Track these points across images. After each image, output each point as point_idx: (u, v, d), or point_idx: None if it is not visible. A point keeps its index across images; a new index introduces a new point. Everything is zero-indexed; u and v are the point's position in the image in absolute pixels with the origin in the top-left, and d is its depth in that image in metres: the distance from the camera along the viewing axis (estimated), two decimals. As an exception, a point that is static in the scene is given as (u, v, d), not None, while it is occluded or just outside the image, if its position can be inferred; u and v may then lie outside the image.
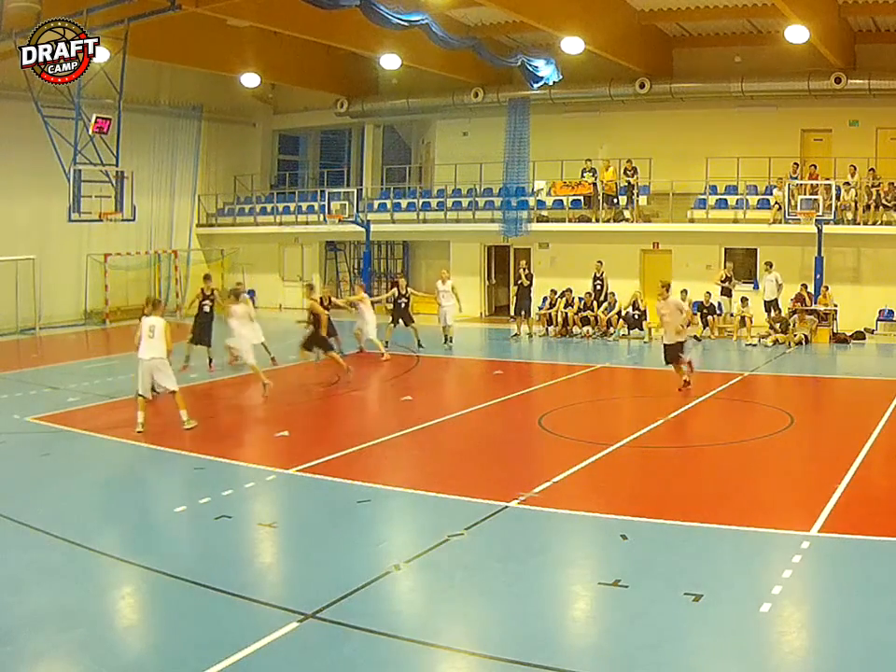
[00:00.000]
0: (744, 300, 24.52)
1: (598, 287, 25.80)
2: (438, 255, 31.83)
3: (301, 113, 36.02)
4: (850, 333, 23.89)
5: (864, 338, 23.99)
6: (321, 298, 20.47)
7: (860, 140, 26.53)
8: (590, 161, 28.58)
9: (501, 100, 30.31)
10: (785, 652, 6.62)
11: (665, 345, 16.96)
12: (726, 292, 25.01)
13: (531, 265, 28.24)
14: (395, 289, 23.57)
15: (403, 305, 23.02)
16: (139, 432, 13.41)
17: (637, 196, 27.86)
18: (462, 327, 27.83)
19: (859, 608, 7.24)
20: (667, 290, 16.95)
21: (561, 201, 29.34)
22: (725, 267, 25.59)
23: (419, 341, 22.73)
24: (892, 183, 24.81)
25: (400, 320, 22.88)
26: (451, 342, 23.27)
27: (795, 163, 26.34)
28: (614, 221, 28.07)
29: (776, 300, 24.50)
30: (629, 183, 27.72)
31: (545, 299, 26.69)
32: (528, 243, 29.59)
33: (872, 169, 25.56)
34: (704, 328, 24.56)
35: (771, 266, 24.70)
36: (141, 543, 9.14)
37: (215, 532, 9.40)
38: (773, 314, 24.15)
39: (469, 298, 30.75)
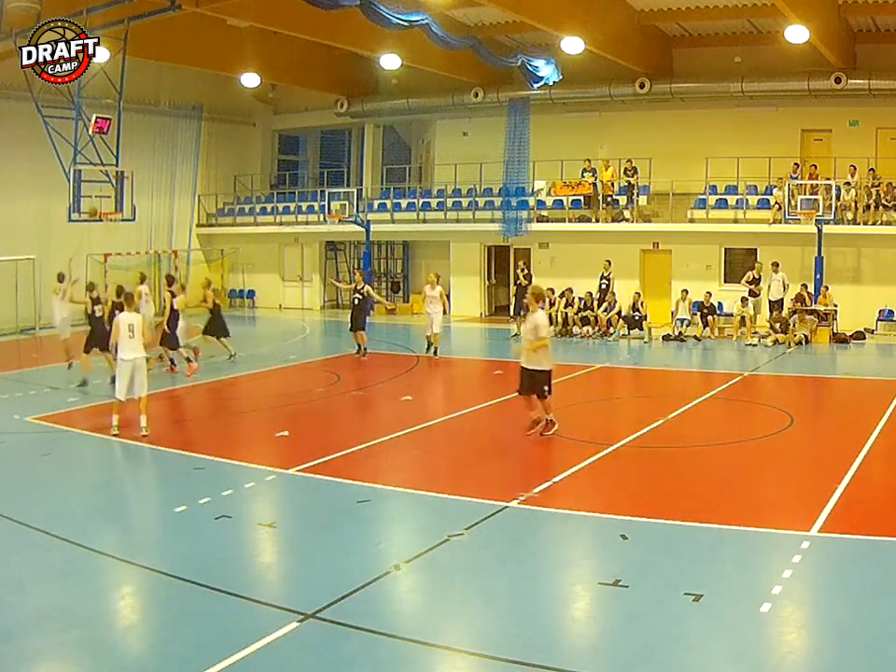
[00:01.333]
0: (744, 299, 24.51)
1: (604, 287, 25.80)
2: (438, 255, 31.84)
3: (301, 113, 36.06)
4: (850, 333, 23.90)
5: (864, 338, 24.00)
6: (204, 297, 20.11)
7: (860, 140, 26.56)
8: (590, 161, 28.59)
9: (501, 100, 30.33)
10: (785, 652, 6.62)
11: (521, 368, 13.28)
12: (753, 294, 24.80)
13: (531, 265, 28.28)
14: (353, 285, 22.15)
15: (357, 302, 21.46)
16: (115, 435, 13.27)
17: (637, 196, 27.86)
18: (462, 327, 27.87)
19: (859, 607, 7.24)
20: (536, 301, 13.23)
21: (561, 201, 29.35)
22: (754, 268, 25.26)
23: (361, 348, 21.28)
24: (890, 183, 24.82)
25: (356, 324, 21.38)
26: (436, 353, 21.27)
27: (795, 163, 26.35)
28: (614, 221, 28.08)
29: (781, 300, 24.45)
30: (629, 183, 27.72)
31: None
32: (528, 243, 29.60)
33: (872, 169, 25.56)
34: (704, 328, 24.58)
35: (778, 266, 24.65)
36: (141, 543, 9.15)
37: (215, 532, 9.40)
38: (773, 314, 24.14)
39: (469, 298, 30.85)
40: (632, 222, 27.90)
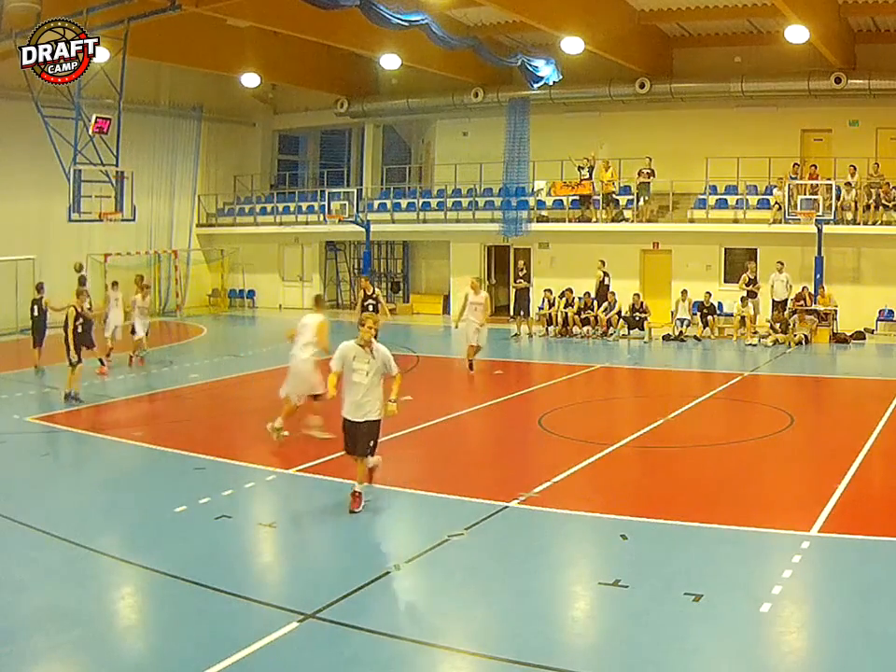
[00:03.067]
0: (743, 299, 24.48)
1: (604, 286, 25.80)
2: (438, 255, 31.84)
3: (301, 113, 36.03)
4: (851, 333, 23.87)
5: (864, 338, 23.91)
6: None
7: (860, 140, 26.55)
8: (588, 159, 28.47)
9: (501, 100, 30.33)
10: (784, 652, 6.62)
11: (349, 422, 10.08)
12: (752, 295, 24.71)
13: (531, 265, 28.29)
14: (361, 292, 20.38)
15: (371, 309, 19.30)
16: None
17: (646, 197, 27.79)
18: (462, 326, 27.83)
19: (858, 607, 7.24)
20: (373, 336, 9.99)
21: (561, 201, 29.33)
22: (748, 269, 25.07)
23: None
24: (888, 183, 24.81)
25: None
26: (472, 366, 19.32)
27: (795, 164, 26.36)
28: (613, 221, 28.04)
29: (785, 300, 24.39)
30: (644, 184, 27.62)
31: (543, 299, 26.77)
32: (528, 243, 29.59)
33: (877, 164, 25.54)
34: (704, 327, 24.57)
35: (783, 265, 24.60)
36: (141, 543, 9.13)
37: (215, 532, 9.40)
38: (774, 313, 24.11)
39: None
40: (631, 222, 27.85)
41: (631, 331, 24.97)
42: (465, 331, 19.48)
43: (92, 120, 22.89)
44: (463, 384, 19.57)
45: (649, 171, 27.60)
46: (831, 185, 24.35)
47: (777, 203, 25.72)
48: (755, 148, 26.95)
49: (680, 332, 24.70)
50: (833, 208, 24.15)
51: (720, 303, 25.36)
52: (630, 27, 25.84)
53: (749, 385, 18.42)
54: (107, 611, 7.57)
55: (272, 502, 10.87)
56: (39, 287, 20.54)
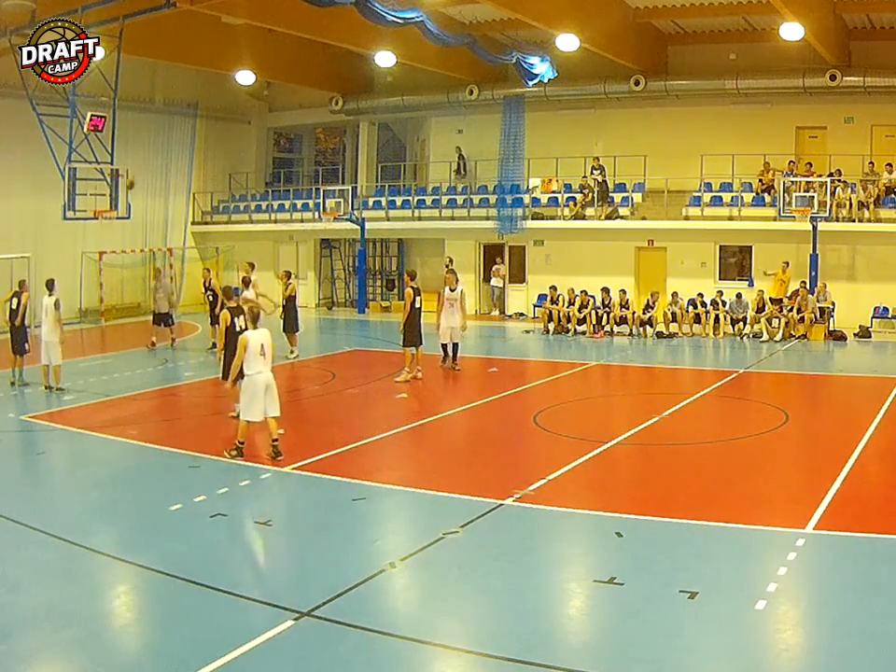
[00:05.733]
0: (738, 296, 24.43)
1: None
2: (433, 253, 31.79)
3: (296, 111, 35.98)
4: (856, 332, 23.86)
5: (870, 336, 23.81)
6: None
7: (855, 137, 26.57)
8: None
9: (496, 97, 30.31)
10: (780, 650, 6.62)
11: None
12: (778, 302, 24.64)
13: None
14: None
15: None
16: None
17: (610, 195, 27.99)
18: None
19: (853, 605, 7.25)
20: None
21: (556, 198, 29.34)
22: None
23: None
24: (885, 185, 24.86)
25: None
26: (457, 362, 19.06)
27: (791, 161, 26.40)
28: (608, 219, 28.05)
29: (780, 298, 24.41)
30: (598, 181, 27.77)
31: (542, 296, 26.78)
32: (523, 240, 29.59)
33: (871, 163, 25.58)
34: (695, 324, 24.58)
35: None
36: (136, 541, 9.12)
37: (210, 530, 9.39)
38: (768, 310, 24.07)
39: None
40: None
41: (642, 328, 24.90)
42: (442, 333, 18.88)
43: (87, 118, 22.86)
44: (457, 381, 19.57)
45: (599, 168, 27.72)
46: (825, 182, 24.35)
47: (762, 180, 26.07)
48: (750, 146, 26.97)
49: (675, 332, 24.63)
50: (829, 205, 24.16)
51: (713, 300, 25.29)
52: (625, 24, 25.87)
53: (744, 382, 18.42)
54: (103, 610, 7.57)
55: (267, 500, 10.86)
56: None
